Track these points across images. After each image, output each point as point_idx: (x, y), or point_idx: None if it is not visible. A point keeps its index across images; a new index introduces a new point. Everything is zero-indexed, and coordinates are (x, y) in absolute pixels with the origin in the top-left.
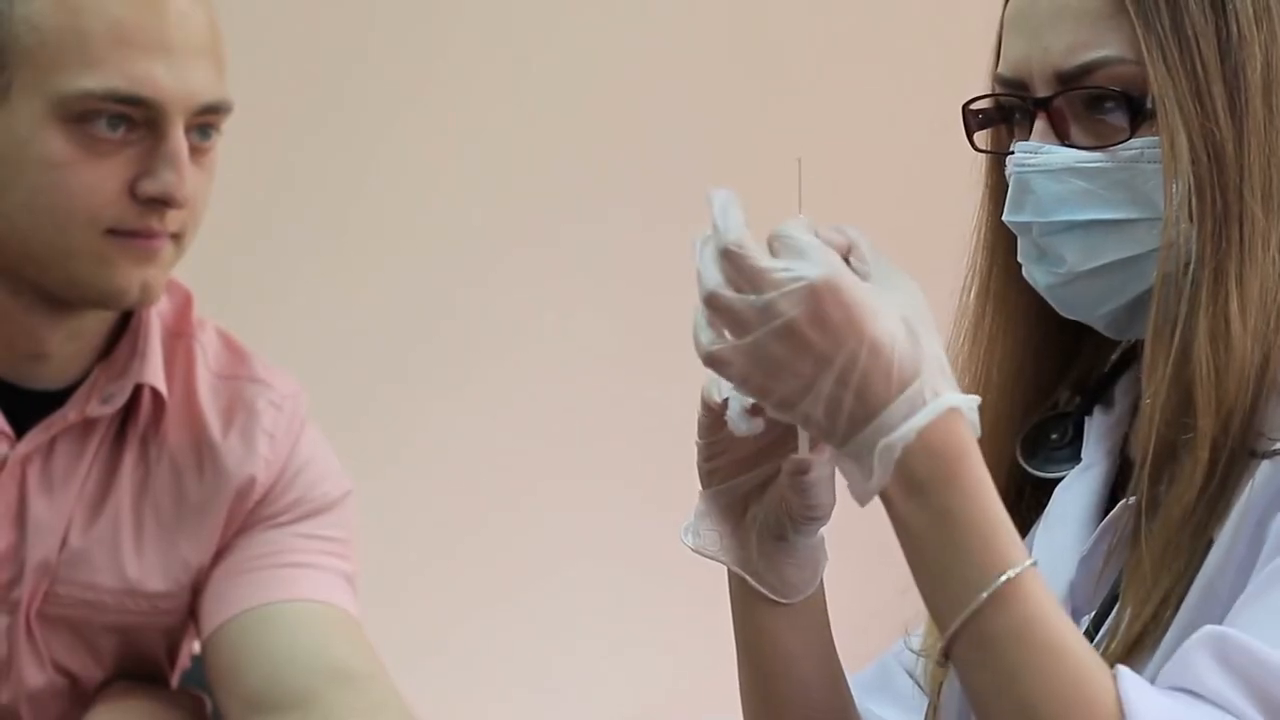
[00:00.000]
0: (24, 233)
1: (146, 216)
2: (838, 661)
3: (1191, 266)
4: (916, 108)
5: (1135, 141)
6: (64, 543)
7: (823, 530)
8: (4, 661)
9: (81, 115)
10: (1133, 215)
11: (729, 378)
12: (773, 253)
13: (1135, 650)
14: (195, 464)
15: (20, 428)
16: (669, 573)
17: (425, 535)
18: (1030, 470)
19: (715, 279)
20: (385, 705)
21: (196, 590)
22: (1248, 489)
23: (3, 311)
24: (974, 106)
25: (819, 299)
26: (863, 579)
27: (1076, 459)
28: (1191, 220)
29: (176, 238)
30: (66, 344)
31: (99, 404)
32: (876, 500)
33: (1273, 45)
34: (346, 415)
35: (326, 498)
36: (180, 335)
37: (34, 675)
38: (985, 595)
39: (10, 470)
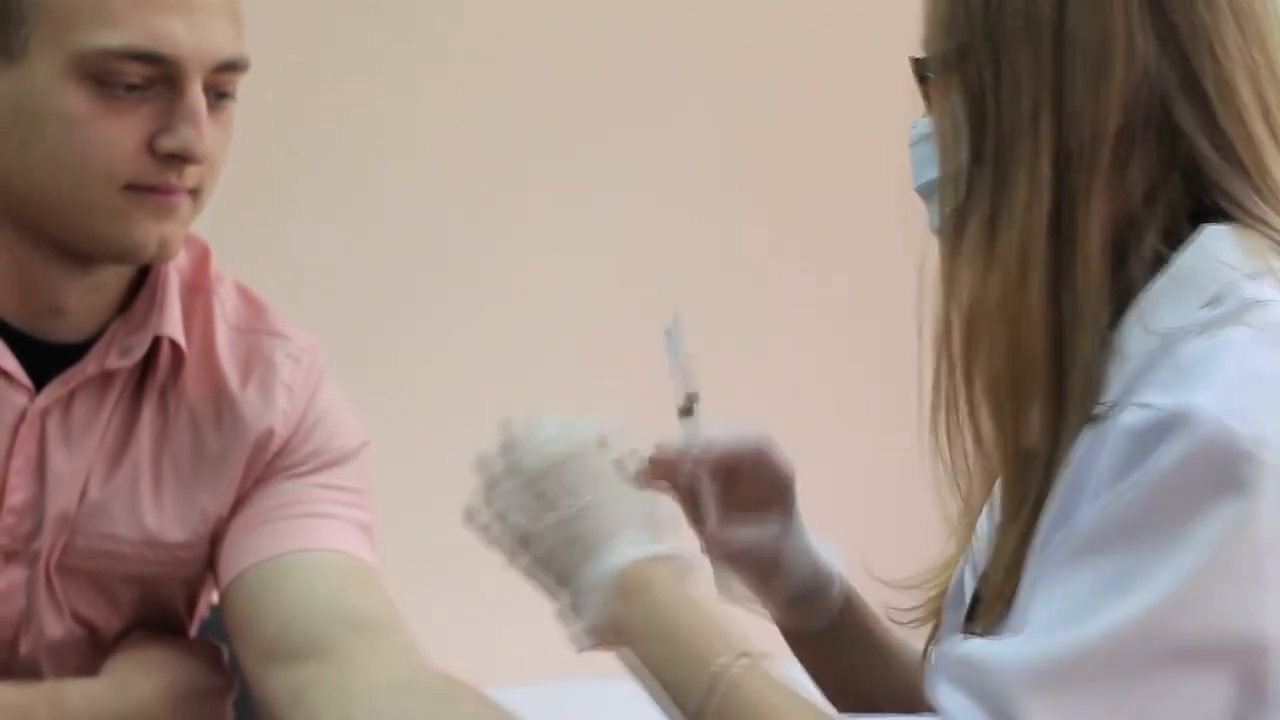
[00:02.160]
0: (43, 188)
1: (165, 172)
2: (894, 640)
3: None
4: None
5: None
6: (83, 495)
7: (834, 552)
8: (23, 613)
9: (100, 72)
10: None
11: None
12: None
13: (998, 606)
14: (214, 416)
15: (39, 381)
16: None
17: (428, 476)
18: None
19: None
20: (403, 654)
21: (215, 541)
22: (1073, 454)
23: (22, 266)
24: None
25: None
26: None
27: None
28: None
29: (194, 193)
30: (85, 298)
31: (118, 357)
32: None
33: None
34: (348, 362)
35: (344, 449)
36: (198, 289)
37: (53, 626)
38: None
39: (30, 423)
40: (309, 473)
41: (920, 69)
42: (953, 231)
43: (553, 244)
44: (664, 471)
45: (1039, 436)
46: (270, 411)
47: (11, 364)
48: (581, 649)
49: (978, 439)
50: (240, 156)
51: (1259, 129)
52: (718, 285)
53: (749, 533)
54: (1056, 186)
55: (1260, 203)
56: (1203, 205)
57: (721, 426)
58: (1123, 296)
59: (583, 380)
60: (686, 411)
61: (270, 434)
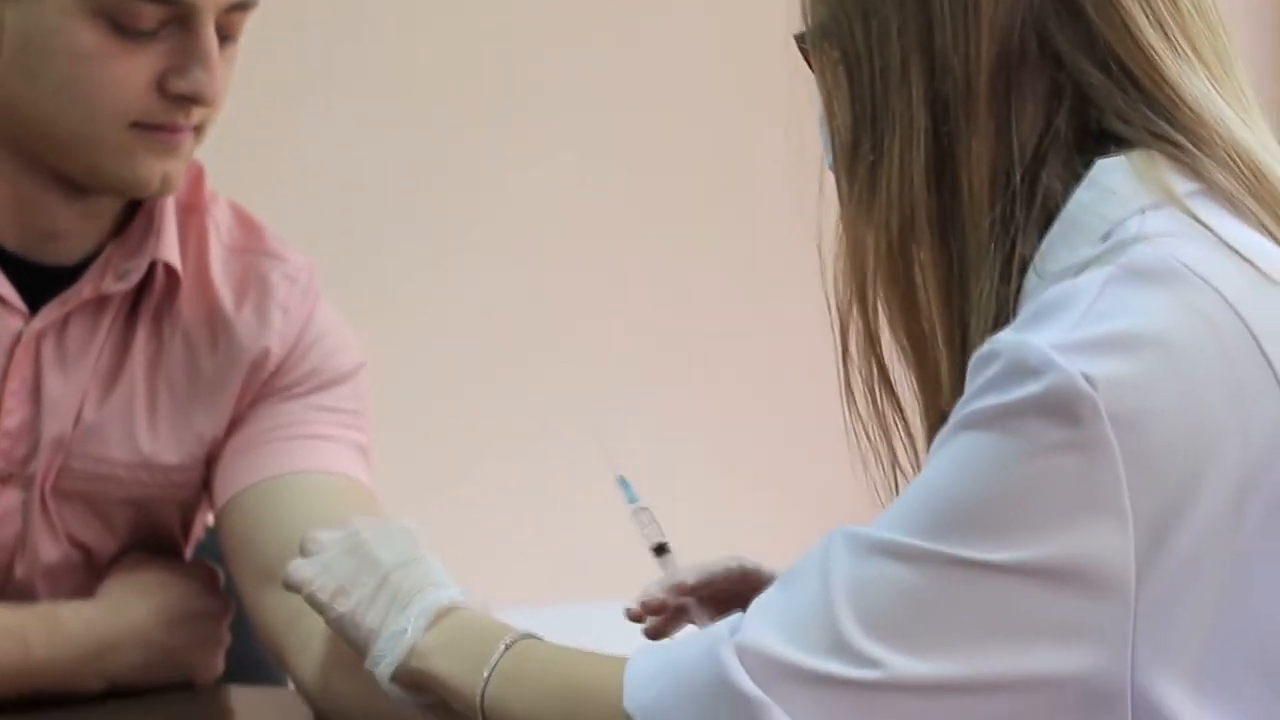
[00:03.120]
0: (49, 120)
1: (173, 112)
2: None
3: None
4: None
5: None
6: (78, 418)
7: None
8: (19, 536)
9: (114, 11)
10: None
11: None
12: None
13: None
14: (209, 338)
15: (34, 304)
16: (661, 433)
17: (425, 396)
18: None
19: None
20: None
21: (210, 462)
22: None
23: (18, 191)
24: None
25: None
26: None
27: None
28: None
29: (198, 130)
30: (79, 222)
31: (114, 281)
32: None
33: None
34: (344, 282)
35: (340, 369)
36: (193, 210)
37: (49, 550)
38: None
39: (25, 346)
40: (305, 394)
41: (800, 43)
42: (844, 195)
43: (550, 161)
44: (655, 609)
45: (950, 392)
46: (266, 332)
47: (6, 288)
48: (384, 680)
49: (896, 405)
50: (235, 75)
51: (1148, 37)
52: (722, 202)
53: None
54: (934, 135)
55: (1159, 120)
56: (1103, 134)
57: (697, 565)
58: (1032, 245)
59: (581, 298)
60: (660, 551)
61: (266, 355)
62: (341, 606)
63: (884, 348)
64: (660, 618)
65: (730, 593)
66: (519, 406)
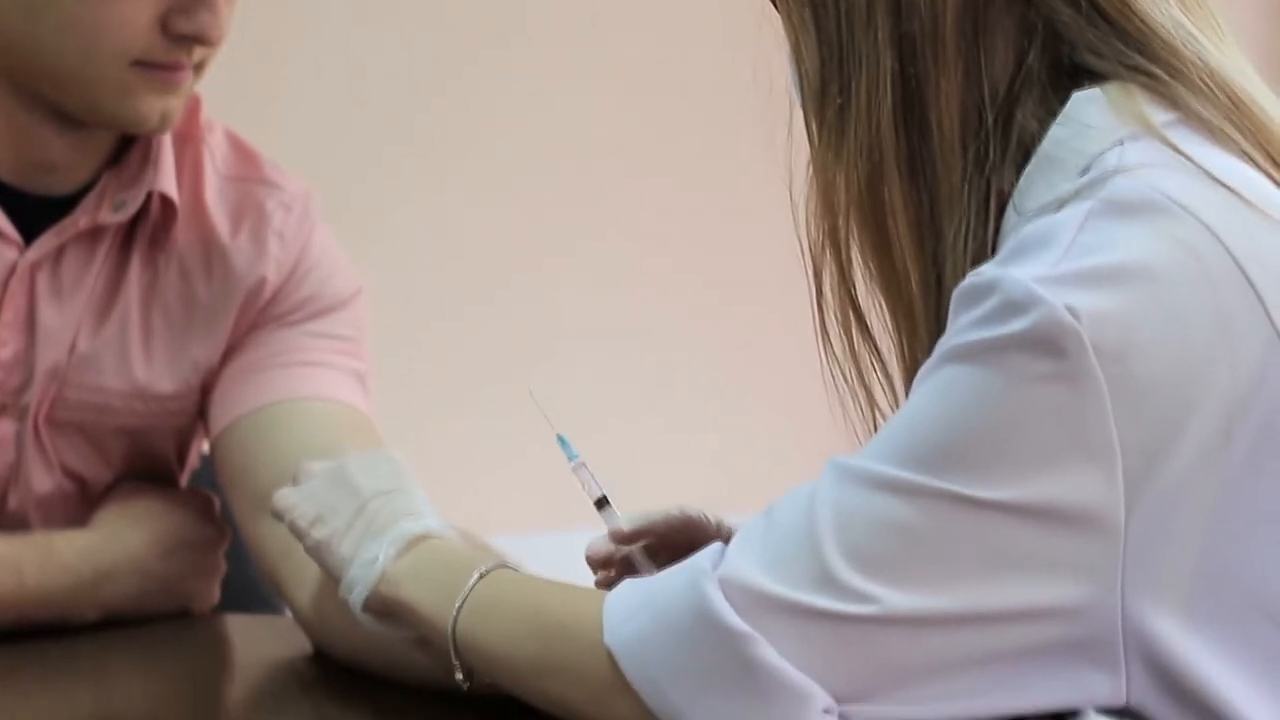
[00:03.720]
0: (50, 56)
1: (175, 51)
2: None
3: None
4: None
5: None
6: (73, 348)
7: None
8: (12, 467)
9: None
10: None
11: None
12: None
13: None
14: (204, 266)
15: (29, 234)
16: (667, 353)
17: (422, 323)
18: None
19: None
20: None
21: (206, 391)
22: None
23: (13, 122)
24: None
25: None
26: None
27: None
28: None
29: (198, 67)
30: (74, 154)
31: (110, 212)
32: None
33: None
34: (341, 210)
35: (337, 296)
36: (189, 139)
37: (42, 480)
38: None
39: (20, 277)
40: (302, 321)
41: None
42: (813, 138)
43: (549, 82)
44: (601, 563)
45: (925, 333)
46: (262, 260)
47: (1, 220)
48: (357, 608)
49: (872, 346)
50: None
51: None
52: (727, 124)
53: None
54: (901, 77)
55: (1132, 52)
56: (1077, 69)
57: (637, 514)
58: (1009, 182)
59: (580, 219)
60: (601, 505)
61: (262, 282)
62: (318, 534)
63: (858, 289)
64: (609, 571)
65: (675, 541)
66: (517, 331)
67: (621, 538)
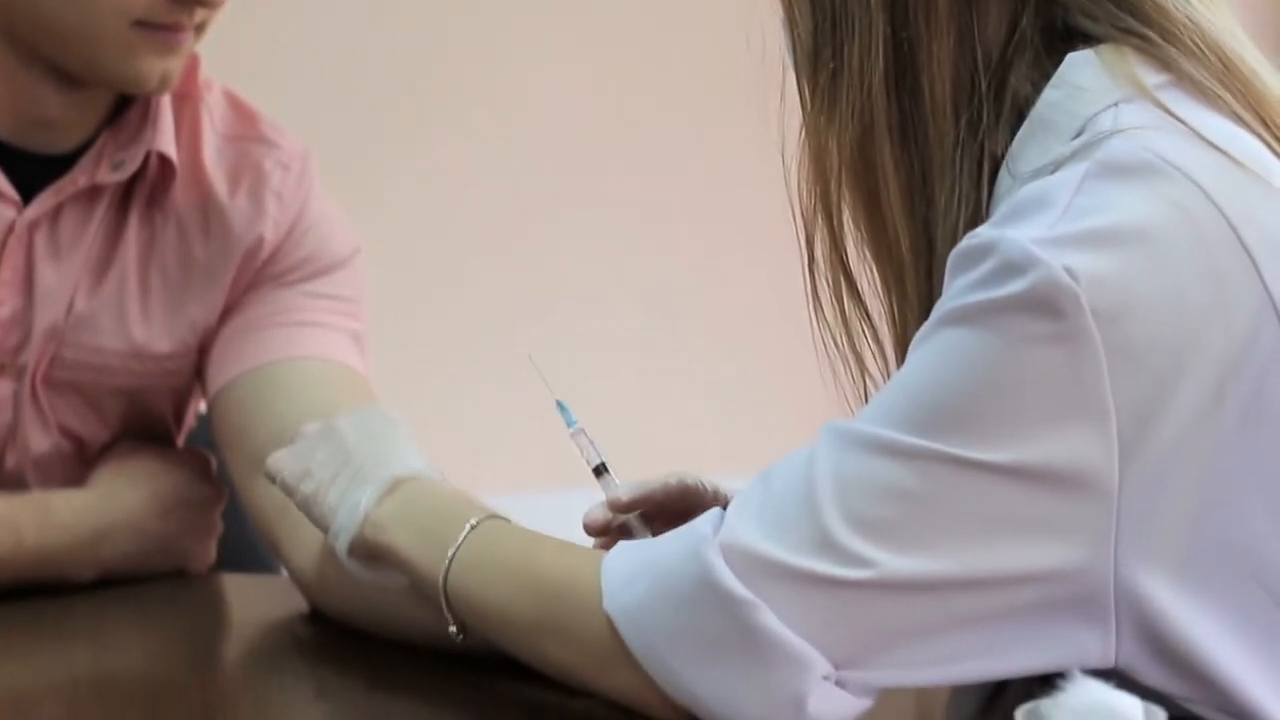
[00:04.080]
0: (51, 14)
1: (177, 12)
2: None
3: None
4: None
5: None
6: (70, 308)
7: None
8: (9, 427)
9: None
10: None
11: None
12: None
13: None
14: (202, 226)
15: (27, 193)
16: (663, 316)
17: (419, 284)
18: None
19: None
20: None
21: (203, 350)
22: None
23: (12, 81)
24: None
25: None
26: None
27: None
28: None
29: (199, 28)
30: (72, 112)
31: (109, 171)
32: None
33: None
34: (340, 169)
35: (335, 256)
36: (187, 98)
37: (39, 440)
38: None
39: (18, 236)
40: (299, 280)
41: None
42: (806, 102)
43: (550, 43)
44: (598, 530)
45: (916, 298)
46: (260, 219)
47: None
48: (343, 554)
49: (864, 312)
50: None
51: None
52: (723, 89)
53: None
54: (893, 41)
55: (1124, 14)
56: (1070, 32)
57: (635, 482)
58: (1003, 146)
59: (580, 185)
60: (599, 472)
61: (260, 242)
62: (307, 487)
63: (850, 254)
64: (605, 539)
65: (673, 509)
66: (514, 293)
67: (619, 506)
